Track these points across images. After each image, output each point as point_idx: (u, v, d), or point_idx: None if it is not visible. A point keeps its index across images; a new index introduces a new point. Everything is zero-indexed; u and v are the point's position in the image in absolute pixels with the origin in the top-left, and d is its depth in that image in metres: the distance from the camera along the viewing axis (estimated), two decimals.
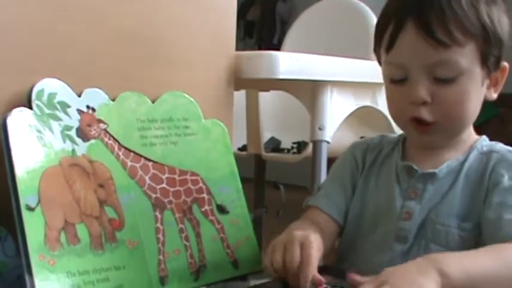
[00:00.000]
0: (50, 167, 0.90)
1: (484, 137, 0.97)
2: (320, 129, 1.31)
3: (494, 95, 0.94)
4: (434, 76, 0.87)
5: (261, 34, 4.63)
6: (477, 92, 0.90)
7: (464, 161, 0.93)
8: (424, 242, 0.91)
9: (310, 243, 0.84)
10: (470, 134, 0.96)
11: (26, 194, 0.86)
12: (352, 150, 1.03)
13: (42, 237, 0.86)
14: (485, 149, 0.94)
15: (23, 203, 0.85)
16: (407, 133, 0.97)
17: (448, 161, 0.93)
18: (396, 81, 0.91)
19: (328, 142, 1.33)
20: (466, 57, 0.87)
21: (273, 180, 1.63)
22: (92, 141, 0.97)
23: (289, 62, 1.23)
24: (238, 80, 1.22)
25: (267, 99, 1.64)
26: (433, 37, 0.85)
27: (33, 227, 0.86)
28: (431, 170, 0.92)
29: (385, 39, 0.90)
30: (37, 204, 0.87)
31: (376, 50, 0.95)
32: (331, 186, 1.02)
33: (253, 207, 1.60)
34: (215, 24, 1.20)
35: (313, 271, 0.83)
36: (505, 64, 0.92)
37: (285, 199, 1.49)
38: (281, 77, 1.21)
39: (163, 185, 1.02)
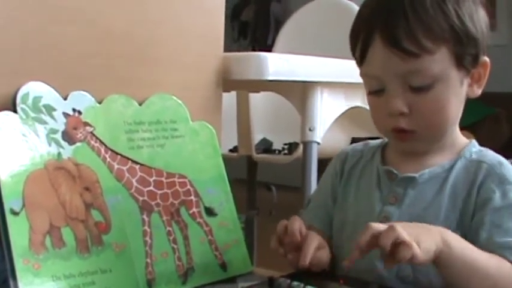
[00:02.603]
0: (34, 170, 0.90)
1: (474, 142, 0.95)
2: (310, 130, 1.31)
3: (478, 91, 0.92)
4: (409, 85, 0.86)
5: (255, 35, 4.63)
6: (456, 95, 0.89)
7: (451, 168, 0.91)
8: None
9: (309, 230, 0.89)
10: (456, 137, 0.94)
11: (10, 198, 0.86)
12: (334, 161, 1.03)
13: (26, 241, 0.86)
14: (474, 156, 0.92)
15: (7, 207, 0.85)
16: (389, 140, 0.97)
17: (432, 167, 0.92)
18: (374, 92, 0.90)
19: (318, 143, 1.33)
20: (439, 62, 0.85)
21: (265, 181, 1.63)
22: (78, 144, 0.96)
23: (278, 63, 1.23)
24: (228, 82, 1.22)
25: (257, 100, 1.63)
26: (401, 49, 0.84)
27: (18, 231, 0.85)
28: (411, 174, 0.92)
29: (357, 52, 0.89)
30: (21, 209, 0.87)
31: (355, 59, 0.93)
32: (317, 201, 1.03)
33: (245, 208, 1.60)
34: (203, 26, 1.20)
35: (312, 249, 0.86)
36: (486, 59, 0.90)
37: (277, 200, 1.49)
38: (270, 78, 1.21)
39: (151, 188, 1.02)
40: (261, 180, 1.66)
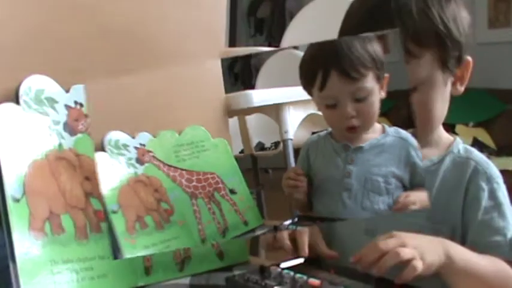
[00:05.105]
0: (36, 160, 0.93)
1: (458, 138, 0.99)
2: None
3: (461, 89, 0.95)
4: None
5: (271, 31, 4.64)
6: (441, 95, 0.92)
7: (440, 162, 0.95)
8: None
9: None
10: (441, 134, 0.98)
11: (12, 186, 0.88)
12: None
13: (26, 226, 0.88)
14: (462, 152, 0.96)
15: (8, 194, 0.88)
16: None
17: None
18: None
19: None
20: (424, 67, 0.88)
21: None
22: (79, 135, 0.99)
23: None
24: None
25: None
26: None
27: (18, 217, 0.88)
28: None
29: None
30: (22, 195, 0.89)
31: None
32: None
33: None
34: (204, 24, 1.23)
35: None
36: (468, 58, 0.93)
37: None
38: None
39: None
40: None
